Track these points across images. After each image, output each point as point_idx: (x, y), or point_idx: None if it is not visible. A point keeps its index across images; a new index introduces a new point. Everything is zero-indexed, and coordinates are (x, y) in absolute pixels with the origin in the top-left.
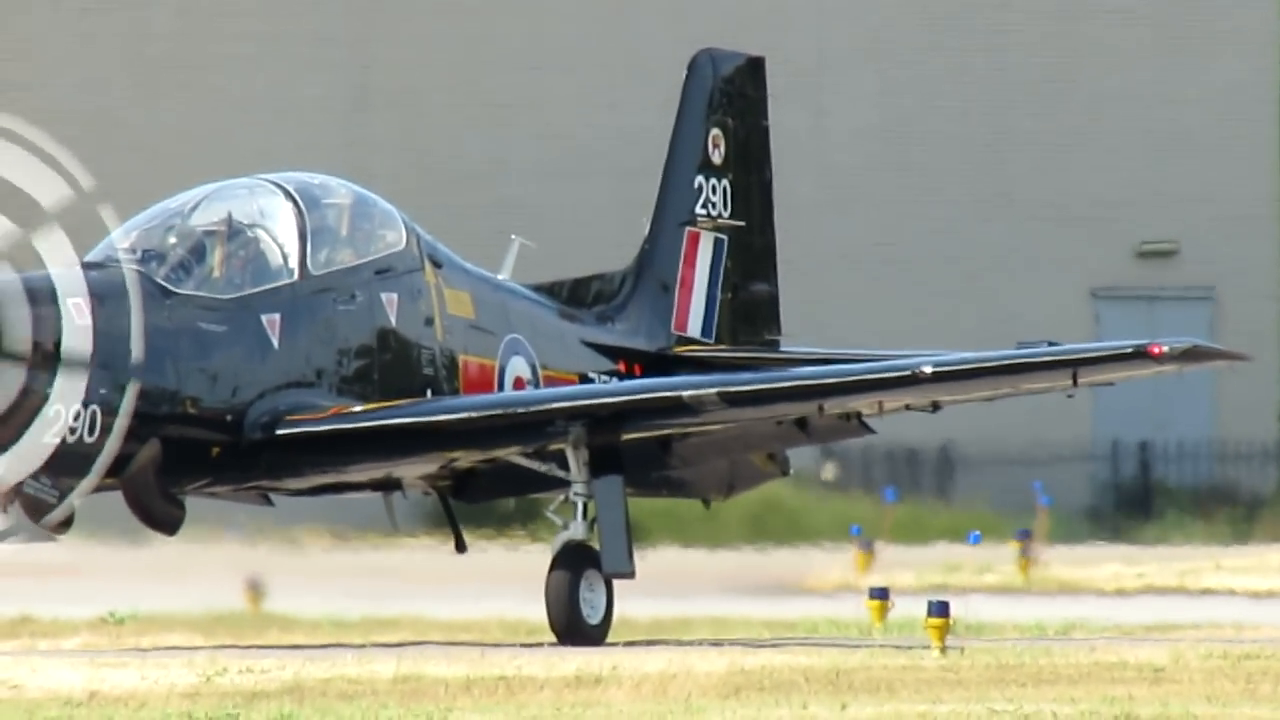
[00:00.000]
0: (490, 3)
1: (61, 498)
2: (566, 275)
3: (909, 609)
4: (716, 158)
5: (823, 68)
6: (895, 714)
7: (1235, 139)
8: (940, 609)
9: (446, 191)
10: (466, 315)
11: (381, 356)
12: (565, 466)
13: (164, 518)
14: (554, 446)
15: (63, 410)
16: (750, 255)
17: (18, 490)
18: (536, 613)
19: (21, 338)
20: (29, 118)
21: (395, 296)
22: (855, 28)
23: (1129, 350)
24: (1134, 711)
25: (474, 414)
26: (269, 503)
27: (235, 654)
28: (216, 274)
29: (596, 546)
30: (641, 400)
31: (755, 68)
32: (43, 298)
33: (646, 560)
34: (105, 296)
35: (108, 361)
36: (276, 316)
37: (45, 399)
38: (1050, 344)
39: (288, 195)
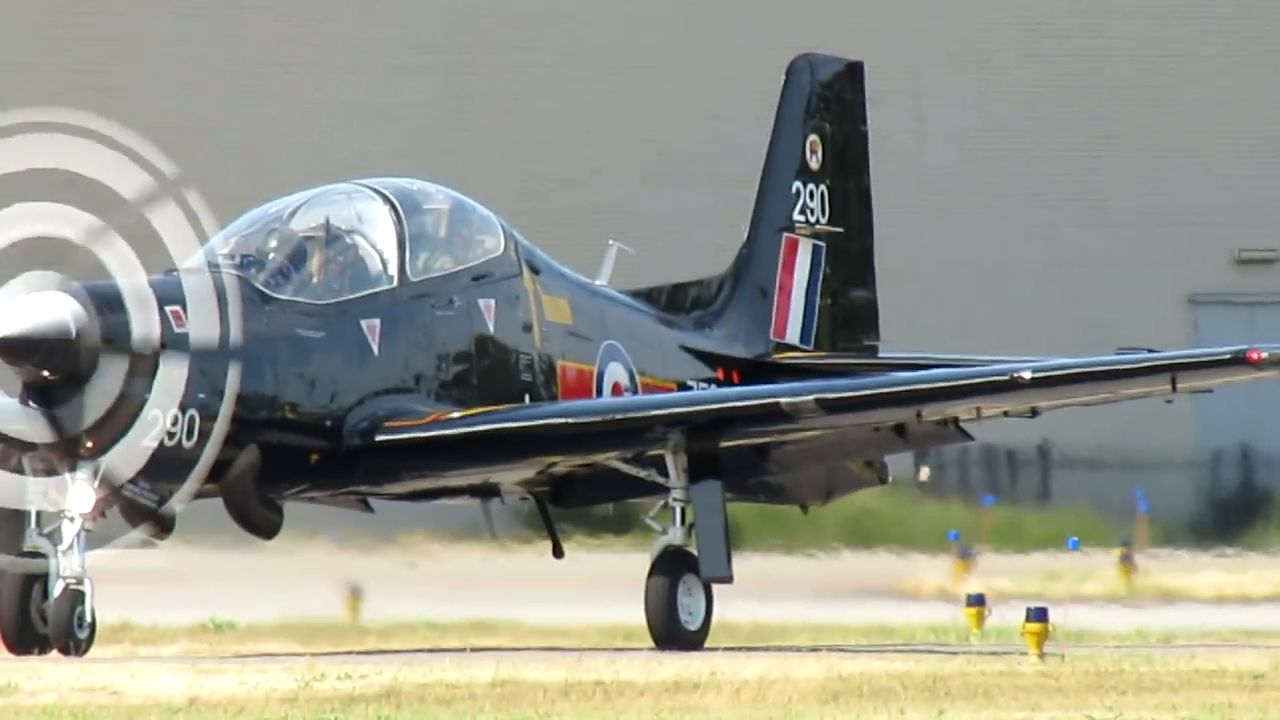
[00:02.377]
0: (588, 9)
1: (161, 502)
2: (664, 281)
3: (1007, 615)
4: (814, 163)
5: (921, 73)
6: None
7: None
8: (1038, 615)
9: (544, 197)
10: (564, 321)
11: (480, 362)
12: (664, 472)
13: (262, 523)
14: (653, 452)
15: (160, 415)
16: (848, 261)
17: (118, 495)
18: (635, 618)
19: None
20: (127, 123)
21: (493, 302)
22: (953, 33)
23: (1228, 356)
24: (1234, 718)
25: (572, 420)
26: (368, 508)
27: (333, 659)
28: (315, 280)
29: (695, 552)
30: (740, 407)
31: (853, 73)
32: (143, 304)
33: (744, 565)
34: (204, 303)
35: (206, 367)
36: (376, 322)
37: (144, 403)
38: (1149, 351)
39: (386, 201)
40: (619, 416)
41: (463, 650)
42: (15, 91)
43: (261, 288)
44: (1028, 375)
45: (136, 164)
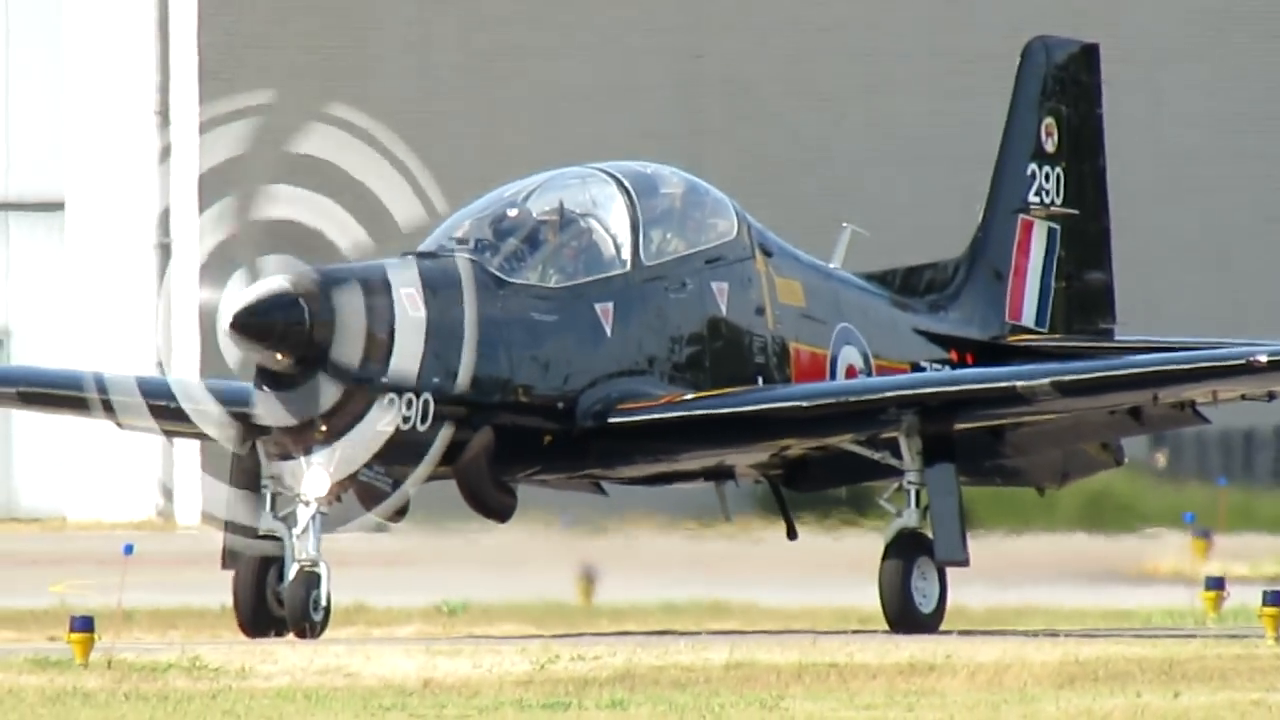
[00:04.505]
0: None
1: (395, 486)
2: (898, 264)
3: (1242, 597)
4: (1050, 145)
5: (1157, 55)
6: (1229, 703)
7: None
8: (1275, 599)
9: (778, 179)
10: (797, 304)
11: (713, 345)
12: (898, 455)
13: (496, 506)
14: (887, 435)
15: (396, 399)
16: (1084, 243)
17: (353, 479)
18: (869, 601)
19: (356, 329)
20: (364, 107)
21: (726, 285)
22: (1190, 15)
23: None
24: None
25: (806, 402)
26: (601, 491)
27: (567, 642)
28: (549, 263)
29: (929, 534)
30: (974, 390)
31: (1089, 55)
32: (376, 288)
33: (979, 548)
34: (439, 286)
35: (440, 351)
36: (609, 305)
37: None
38: None
39: (620, 185)
40: (853, 399)
41: (697, 633)
42: (249, 73)
43: (495, 271)
44: (1264, 359)
45: (371, 148)
